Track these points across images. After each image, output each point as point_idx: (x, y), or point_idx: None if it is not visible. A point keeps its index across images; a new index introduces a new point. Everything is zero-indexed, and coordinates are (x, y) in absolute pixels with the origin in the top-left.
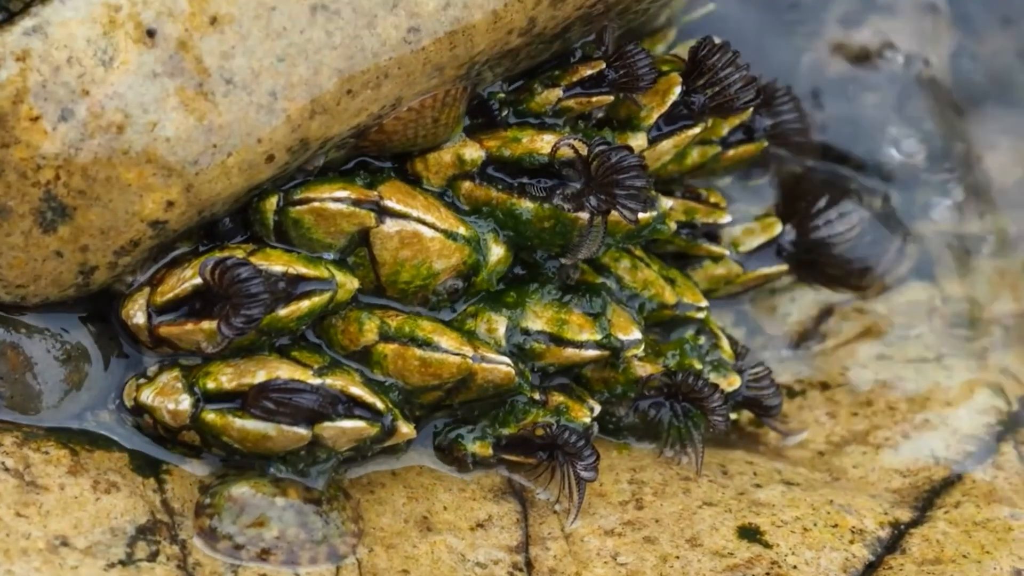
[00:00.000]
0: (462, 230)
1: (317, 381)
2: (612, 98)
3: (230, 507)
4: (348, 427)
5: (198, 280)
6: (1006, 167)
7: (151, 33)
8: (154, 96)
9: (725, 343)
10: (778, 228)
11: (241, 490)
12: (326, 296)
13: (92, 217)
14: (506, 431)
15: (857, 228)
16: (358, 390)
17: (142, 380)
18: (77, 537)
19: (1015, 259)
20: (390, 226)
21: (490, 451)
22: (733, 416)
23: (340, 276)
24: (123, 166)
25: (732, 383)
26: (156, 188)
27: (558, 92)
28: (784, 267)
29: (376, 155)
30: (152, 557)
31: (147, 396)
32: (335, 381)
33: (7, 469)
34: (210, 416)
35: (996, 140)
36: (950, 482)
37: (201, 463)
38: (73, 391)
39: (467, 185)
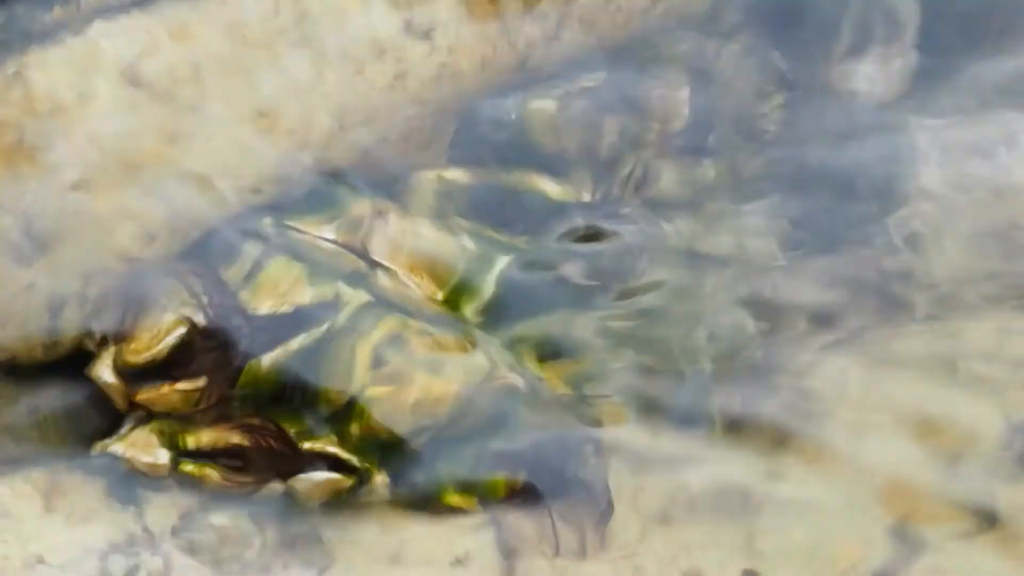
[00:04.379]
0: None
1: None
2: None
3: (210, 535)
4: (321, 480)
5: (173, 340)
6: None
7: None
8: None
9: None
10: None
11: (220, 519)
12: (323, 327)
13: (67, 251)
14: (495, 444)
15: None
16: (334, 448)
17: (112, 438)
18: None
19: None
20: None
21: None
22: None
23: (347, 292)
24: (99, 197)
25: None
26: (133, 216)
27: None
28: None
29: None
30: (133, 571)
31: (119, 448)
32: (313, 445)
33: None
34: (188, 467)
35: None
36: None
37: (184, 491)
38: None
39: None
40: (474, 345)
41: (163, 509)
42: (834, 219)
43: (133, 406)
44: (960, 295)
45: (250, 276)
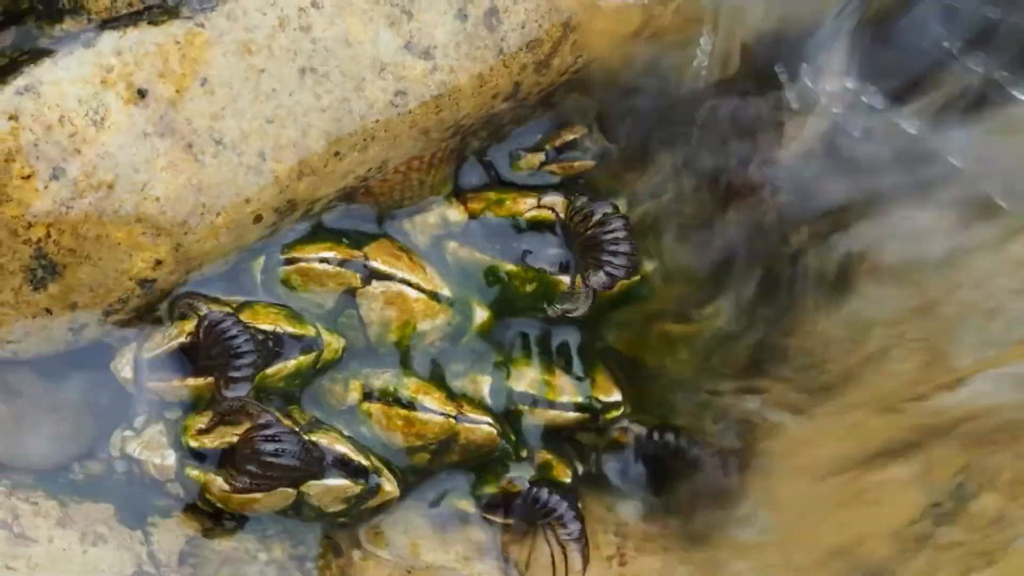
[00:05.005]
0: (446, 291)
1: (304, 437)
2: (593, 163)
3: (212, 559)
4: (333, 485)
5: (183, 339)
6: None
7: (142, 93)
8: (144, 156)
9: None
10: None
11: (224, 544)
12: (312, 356)
13: (82, 275)
14: (487, 490)
15: None
16: (343, 448)
17: (128, 432)
18: None
19: None
20: (375, 287)
21: (473, 510)
22: None
23: (327, 335)
24: (113, 225)
25: None
26: (145, 247)
27: (541, 156)
28: None
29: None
30: None
31: (133, 449)
32: (320, 438)
33: None
34: (194, 472)
35: None
36: None
37: (189, 514)
38: (61, 441)
39: (452, 245)
40: (444, 392)
41: (170, 532)
42: None
43: (146, 395)
44: None
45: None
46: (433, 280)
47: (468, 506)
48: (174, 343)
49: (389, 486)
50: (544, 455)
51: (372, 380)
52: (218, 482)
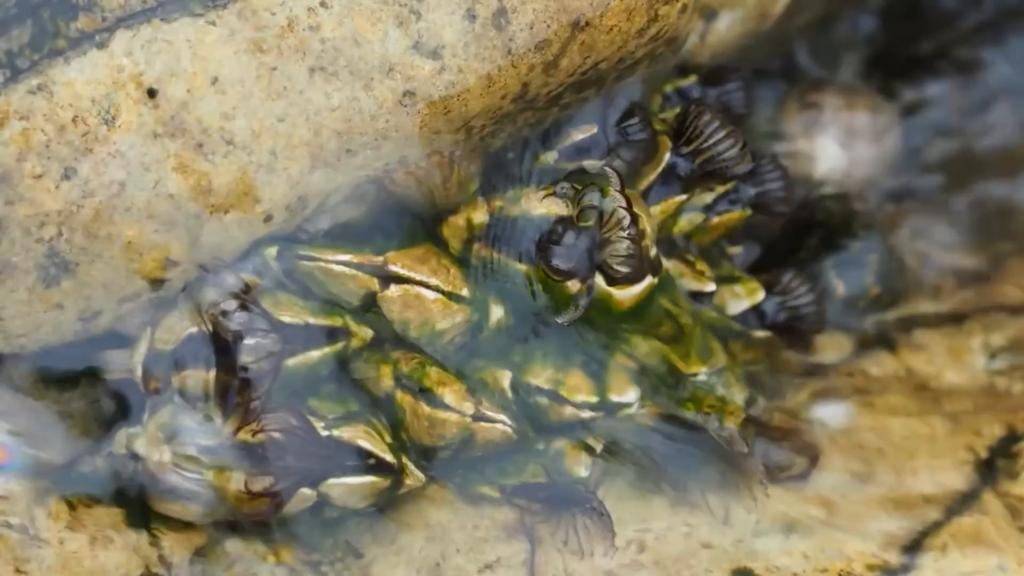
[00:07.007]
0: (465, 292)
1: (326, 433)
2: (602, 163)
3: (223, 560)
4: (355, 483)
5: (194, 329)
6: None
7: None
8: (155, 156)
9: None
10: (761, 295)
11: (234, 544)
12: (338, 346)
13: (95, 272)
14: (509, 481)
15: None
16: (367, 443)
17: (133, 430)
18: None
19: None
20: (394, 291)
21: (498, 494)
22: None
23: (354, 326)
24: (124, 223)
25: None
26: (157, 245)
27: (554, 155)
28: (769, 334)
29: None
30: None
31: (140, 446)
32: (343, 433)
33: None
34: (209, 473)
35: None
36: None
37: (199, 511)
38: (74, 439)
39: (477, 247)
40: (463, 385)
41: (179, 533)
42: None
43: (153, 392)
44: None
45: (265, 293)
46: (455, 281)
47: (491, 491)
48: (184, 334)
49: (411, 479)
50: (559, 443)
51: (400, 365)
52: (237, 482)
